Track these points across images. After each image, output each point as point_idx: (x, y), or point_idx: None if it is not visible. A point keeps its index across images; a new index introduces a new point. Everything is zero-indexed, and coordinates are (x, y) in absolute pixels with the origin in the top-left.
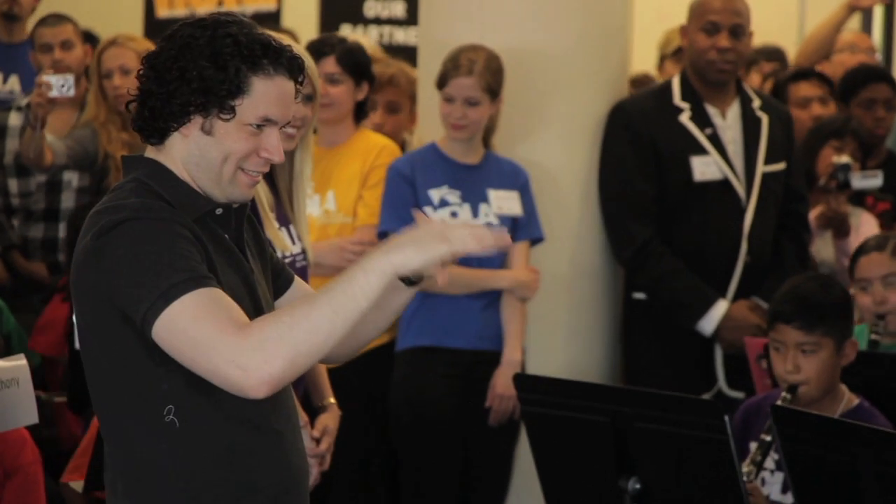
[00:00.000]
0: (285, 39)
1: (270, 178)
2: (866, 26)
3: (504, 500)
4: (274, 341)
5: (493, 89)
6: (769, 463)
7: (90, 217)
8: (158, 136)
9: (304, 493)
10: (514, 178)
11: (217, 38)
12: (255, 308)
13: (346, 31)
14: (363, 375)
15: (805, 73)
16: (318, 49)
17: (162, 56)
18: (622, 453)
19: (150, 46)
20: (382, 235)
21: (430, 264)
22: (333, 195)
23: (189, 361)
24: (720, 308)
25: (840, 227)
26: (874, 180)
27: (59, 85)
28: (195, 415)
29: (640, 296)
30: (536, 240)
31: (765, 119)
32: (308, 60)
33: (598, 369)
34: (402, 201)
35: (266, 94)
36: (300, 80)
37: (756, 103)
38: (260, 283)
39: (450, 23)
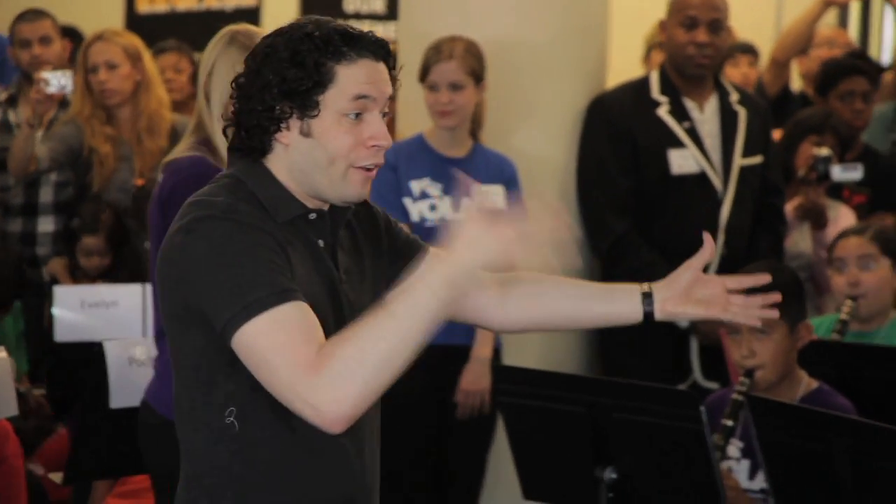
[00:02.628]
0: (262, 33)
1: None
2: (843, 22)
3: (479, 492)
4: (346, 379)
5: (477, 73)
6: (735, 451)
7: (185, 205)
8: (260, 152)
9: None
10: (500, 172)
11: (293, 40)
12: (336, 319)
13: None
14: None
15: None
16: None
17: (247, 73)
18: (599, 443)
19: (136, 42)
20: None
21: (492, 262)
22: None
23: (264, 382)
24: None
25: (818, 219)
26: (854, 173)
27: (56, 81)
28: (256, 421)
29: None
30: None
31: (742, 113)
32: None
33: (575, 360)
34: (386, 188)
35: (354, 76)
36: (391, 63)
37: (734, 97)
38: (348, 291)
39: (430, 17)
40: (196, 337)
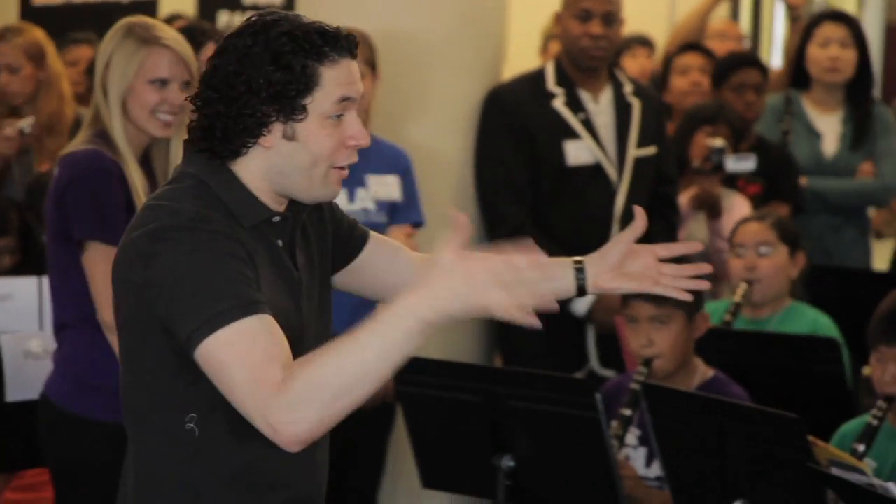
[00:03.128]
0: (159, 26)
1: (147, 163)
2: (735, 14)
3: (380, 480)
4: (305, 402)
5: (373, 62)
6: (632, 439)
7: (145, 208)
8: (233, 154)
9: None
10: (396, 163)
11: (272, 40)
12: (297, 319)
13: (225, 19)
14: None
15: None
16: (193, 37)
17: (220, 73)
18: (496, 432)
19: (38, 38)
20: None
21: (469, 316)
22: None
23: (225, 393)
24: None
25: (712, 209)
26: (747, 163)
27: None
28: (216, 428)
29: None
30: (417, 224)
31: (636, 104)
32: (186, 47)
33: (474, 351)
34: None
35: (337, 78)
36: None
37: (628, 89)
38: (306, 287)
39: (327, 9)
40: (157, 343)
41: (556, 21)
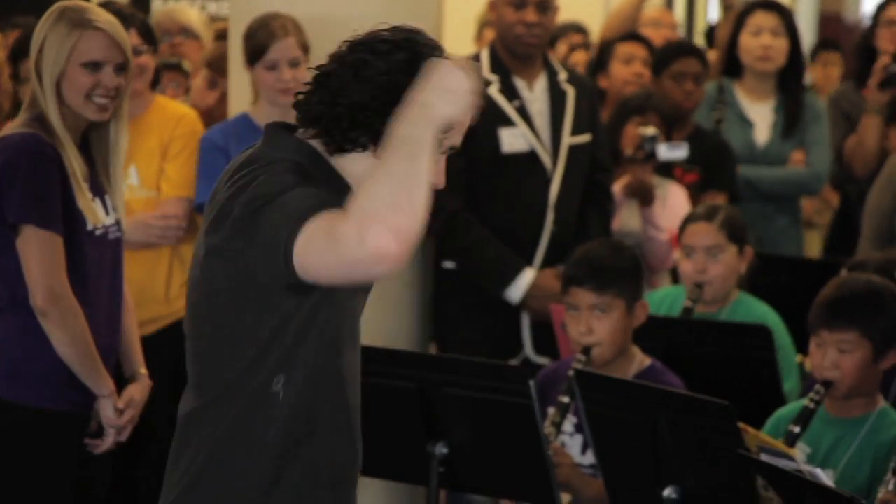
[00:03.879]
0: (93, 9)
1: (86, 147)
2: (669, 2)
3: None
4: (370, 217)
5: (307, 47)
6: (568, 427)
7: (243, 174)
8: (348, 147)
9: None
10: None
11: (404, 46)
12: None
13: (158, 5)
14: (174, 344)
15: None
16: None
17: (369, 67)
18: (430, 419)
19: None
20: (199, 208)
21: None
22: (136, 170)
23: (331, 260)
24: (527, 277)
25: (645, 196)
26: (679, 151)
27: None
28: (299, 390)
29: (449, 265)
30: None
31: (571, 92)
32: (120, 30)
33: (409, 337)
34: (218, 172)
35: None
36: None
37: (562, 76)
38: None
39: None
40: (259, 307)
41: (490, 8)
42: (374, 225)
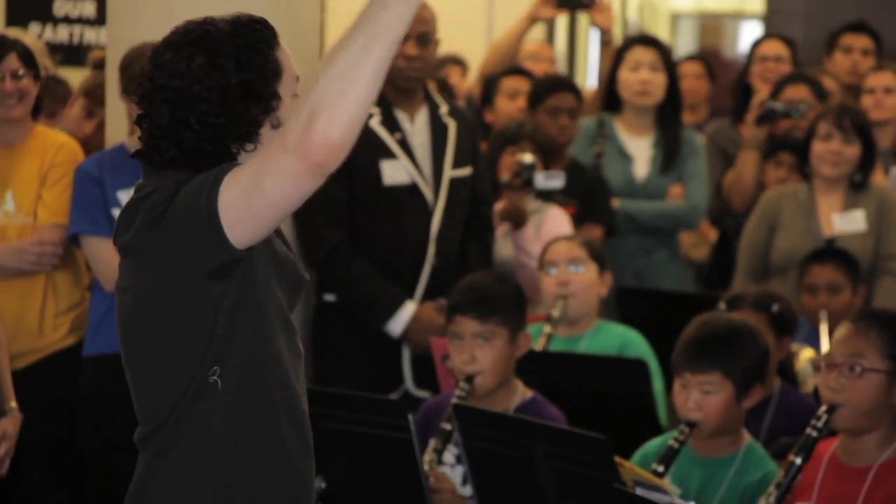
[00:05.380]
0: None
1: None
2: (550, 37)
3: None
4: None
5: None
6: (450, 458)
7: (131, 207)
8: (225, 157)
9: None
10: None
11: (225, 43)
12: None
13: (35, 30)
14: (47, 379)
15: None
16: None
17: (175, 84)
18: None
19: None
20: (74, 239)
21: None
22: (12, 196)
23: (261, 187)
24: (408, 310)
25: (517, 220)
26: (556, 181)
27: None
28: (237, 378)
29: (330, 297)
30: None
31: (452, 125)
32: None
33: None
34: (92, 203)
35: (286, 58)
36: None
37: (443, 109)
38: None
39: (137, 21)
40: (189, 297)
41: None
42: (323, 114)
